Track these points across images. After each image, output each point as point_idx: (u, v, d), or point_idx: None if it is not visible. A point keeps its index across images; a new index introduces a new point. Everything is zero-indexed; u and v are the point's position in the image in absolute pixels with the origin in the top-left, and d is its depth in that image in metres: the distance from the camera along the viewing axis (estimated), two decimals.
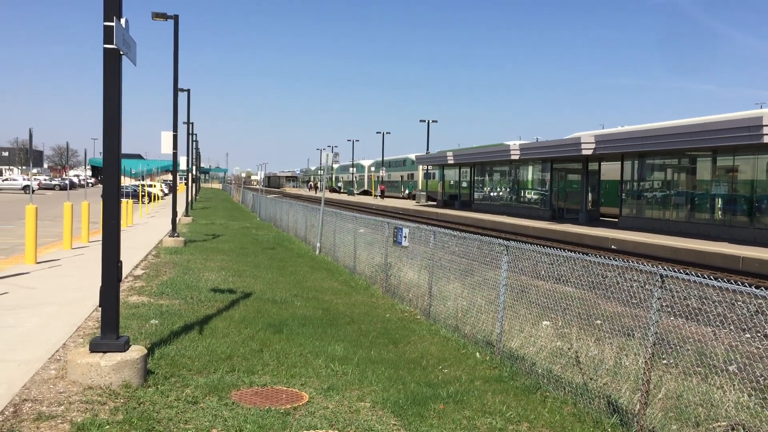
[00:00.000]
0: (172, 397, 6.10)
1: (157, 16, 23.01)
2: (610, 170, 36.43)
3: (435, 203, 58.69)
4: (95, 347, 6.46)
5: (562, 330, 7.90)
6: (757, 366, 7.70)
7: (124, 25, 6.47)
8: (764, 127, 21.73)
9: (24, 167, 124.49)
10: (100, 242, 6.59)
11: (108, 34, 6.28)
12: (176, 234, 21.83)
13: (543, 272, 8.33)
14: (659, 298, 6.00)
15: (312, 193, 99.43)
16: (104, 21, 6.29)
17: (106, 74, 6.39)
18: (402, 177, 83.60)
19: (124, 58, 6.56)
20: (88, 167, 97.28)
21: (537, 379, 7.45)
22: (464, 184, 53.65)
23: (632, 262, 7.45)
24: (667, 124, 31.33)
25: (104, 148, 6.50)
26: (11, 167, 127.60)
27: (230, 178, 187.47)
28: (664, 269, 6.09)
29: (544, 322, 8.34)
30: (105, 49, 6.35)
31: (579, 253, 7.84)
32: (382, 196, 75.32)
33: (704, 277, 5.85)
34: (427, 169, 65.89)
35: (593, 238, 26.57)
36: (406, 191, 79.91)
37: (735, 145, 24.55)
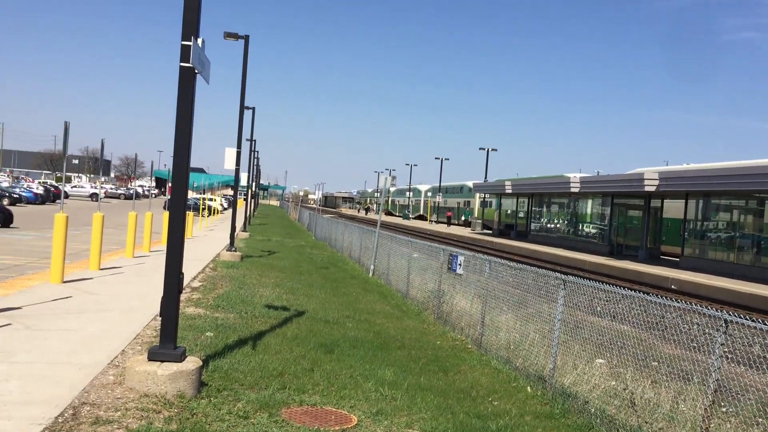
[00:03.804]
0: (224, 410, 6.19)
1: (228, 35, 23.64)
2: (672, 208, 35.56)
3: (490, 232, 58.21)
4: (153, 356, 6.60)
5: (617, 369, 7.72)
6: None
7: (200, 45, 6.69)
8: None
9: (92, 175, 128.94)
10: (161, 252, 6.77)
11: (185, 53, 6.49)
12: (234, 248, 22.18)
13: (599, 309, 8.19)
14: (722, 344, 5.83)
15: (363, 214, 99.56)
16: (182, 40, 6.50)
17: (180, 91, 6.59)
18: (458, 204, 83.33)
19: (198, 76, 6.77)
20: (153, 178, 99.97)
21: (589, 418, 7.29)
22: (521, 214, 53.12)
23: (693, 304, 7.25)
24: (735, 164, 30.46)
25: (174, 163, 6.69)
26: (80, 174, 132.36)
27: (288, 196, 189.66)
28: (728, 314, 5.92)
29: (599, 360, 8.17)
30: (181, 68, 6.56)
31: (637, 291, 7.67)
32: (449, 223, 75.17)
33: None
34: (484, 197, 65.47)
35: (653, 276, 25.91)
36: (462, 218, 79.58)
37: None
